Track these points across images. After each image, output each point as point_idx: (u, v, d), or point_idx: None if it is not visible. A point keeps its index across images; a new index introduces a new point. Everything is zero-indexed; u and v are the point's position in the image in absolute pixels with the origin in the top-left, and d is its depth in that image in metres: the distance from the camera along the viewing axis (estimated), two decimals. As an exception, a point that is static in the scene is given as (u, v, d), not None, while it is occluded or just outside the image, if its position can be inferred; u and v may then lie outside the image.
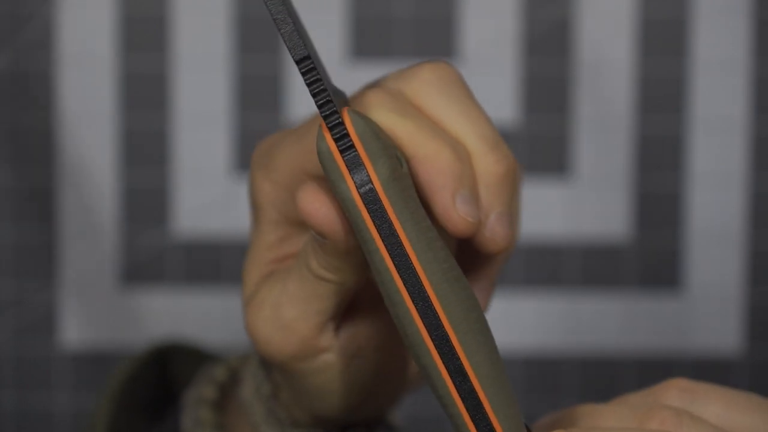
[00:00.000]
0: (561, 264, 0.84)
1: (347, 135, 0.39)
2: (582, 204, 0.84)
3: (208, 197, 0.84)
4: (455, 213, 0.41)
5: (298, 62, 0.39)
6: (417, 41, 0.83)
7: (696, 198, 0.84)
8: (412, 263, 0.38)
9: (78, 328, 0.85)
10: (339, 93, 0.41)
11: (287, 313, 0.44)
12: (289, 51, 0.38)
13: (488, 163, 0.43)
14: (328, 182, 0.40)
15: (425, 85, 0.44)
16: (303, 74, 0.39)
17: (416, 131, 0.42)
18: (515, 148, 0.84)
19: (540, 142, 0.84)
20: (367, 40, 0.83)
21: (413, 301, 0.38)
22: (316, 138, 0.39)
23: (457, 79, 0.45)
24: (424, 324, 0.38)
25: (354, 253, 0.41)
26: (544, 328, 0.84)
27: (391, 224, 0.38)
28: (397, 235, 0.38)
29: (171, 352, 0.62)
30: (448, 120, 0.44)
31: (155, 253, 0.84)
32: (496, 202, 0.43)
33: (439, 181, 0.41)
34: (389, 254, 0.38)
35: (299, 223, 0.46)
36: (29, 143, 0.83)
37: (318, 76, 0.39)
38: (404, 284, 0.38)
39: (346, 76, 0.83)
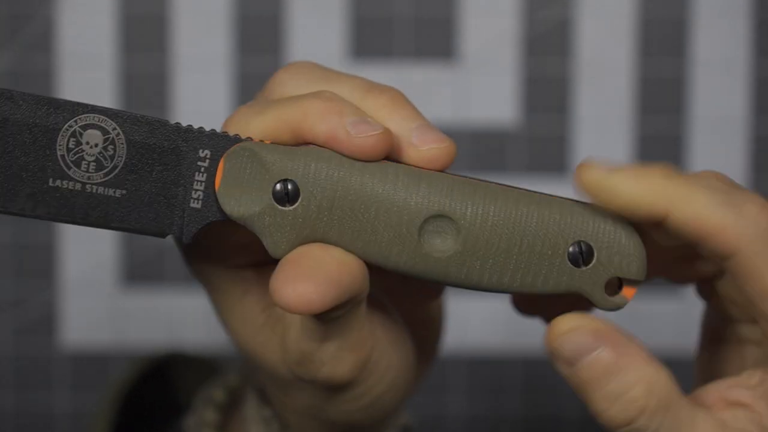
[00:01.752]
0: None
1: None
2: (582, 204, 0.84)
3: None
4: (353, 139, 0.40)
5: None
6: (417, 41, 0.83)
7: (696, 198, 0.84)
8: None
9: (78, 328, 0.85)
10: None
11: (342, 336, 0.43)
12: None
13: (373, 100, 0.42)
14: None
15: (282, 81, 0.44)
16: None
17: (284, 115, 0.41)
18: (515, 148, 0.84)
19: (540, 142, 0.84)
20: (367, 40, 0.83)
21: None
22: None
23: (309, 64, 0.44)
24: None
25: (361, 282, 0.41)
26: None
27: None
28: None
29: (172, 362, 0.62)
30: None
31: (155, 253, 0.84)
32: (404, 121, 0.42)
33: (323, 124, 0.40)
34: None
35: (251, 263, 0.44)
36: (29, 143, 0.83)
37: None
38: None
39: (346, 76, 0.83)
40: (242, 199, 0.40)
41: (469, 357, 0.84)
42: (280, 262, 0.40)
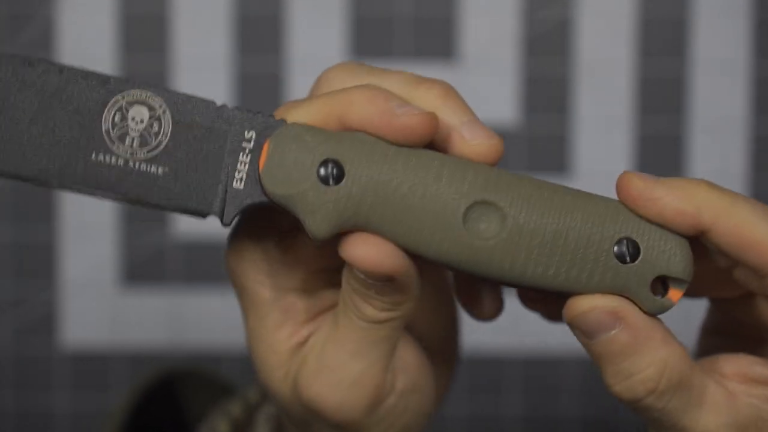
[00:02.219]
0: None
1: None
2: (582, 204, 0.84)
3: (208, 197, 0.84)
4: (399, 117, 0.40)
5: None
6: (417, 41, 0.83)
7: (696, 198, 0.84)
8: None
9: (78, 328, 0.85)
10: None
11: (354, 369, 0.42)
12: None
13: (424, 92, 0.42)
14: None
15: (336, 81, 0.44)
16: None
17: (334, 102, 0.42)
18: (515, 148, 0.84)
19: (540, 142, 0.84)
20: (367, 40, 0.83)
21: None
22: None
23: (355, 63, 0.44)
24: None
25: (416, 279, 0.41)
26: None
27: None
28: None
29: (182, 377, 0.61)
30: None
31: (155, 253, 0.84)
32: (455, 113, 0.41)
33: (369, 107, 0.40)
34: None
35: (295, 288, 0.44)
36: (29, 143, 0.83)
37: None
38: None
39: (346, 76, 0.83)
40: (286, 180, 0.40)
41: (469, 357, 0.84)
42: (345, 237, 0.40)
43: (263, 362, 0.44)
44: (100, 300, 0.84)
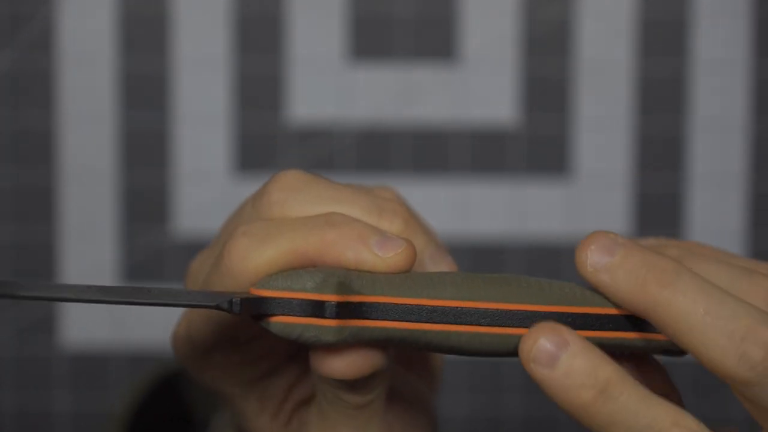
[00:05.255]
0: (560, 264, 0.84)
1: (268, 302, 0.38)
2: (582, 204, 0.84)
3: (208, 197, 0.84)
4: (383, 261, 0.39)
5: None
6: (417, 41, 0.83)
7: (696, 198, 0.84)
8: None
9: (78, 328, 0.85)
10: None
11: None
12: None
13: (388, 225, 0.41)
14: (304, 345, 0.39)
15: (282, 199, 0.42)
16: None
17: (297, 237, 0.40)
18: (515, 148, 0.84)
19: (540, 142, 0.84)
20: (367, 40, 0.83)
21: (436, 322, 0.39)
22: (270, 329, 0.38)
23: (298, 177, 0.42)
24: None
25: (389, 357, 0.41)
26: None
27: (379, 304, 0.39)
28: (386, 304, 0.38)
29: (185, 374, 0.61)
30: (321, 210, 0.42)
31: (155, 253, 0.84)
32: (421, 243, 0.42)
33: (349, 252, 0.39)
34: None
35: (261, 377, 0.43)
36: (29, 143, 0.83)
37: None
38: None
39: (346, 76, 0.83)
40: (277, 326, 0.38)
41: (469, 357, 0.84)
42: (314, 353, 0.39)
43: None
44: (100, 300, 0.84)
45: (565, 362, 0.37)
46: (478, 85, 0.84)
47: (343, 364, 0.39)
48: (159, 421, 0.60)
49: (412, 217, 0.42)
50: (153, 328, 0.85)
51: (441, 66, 0.83)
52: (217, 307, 0.37)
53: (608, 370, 0.37)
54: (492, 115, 0.84)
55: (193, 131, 0.83)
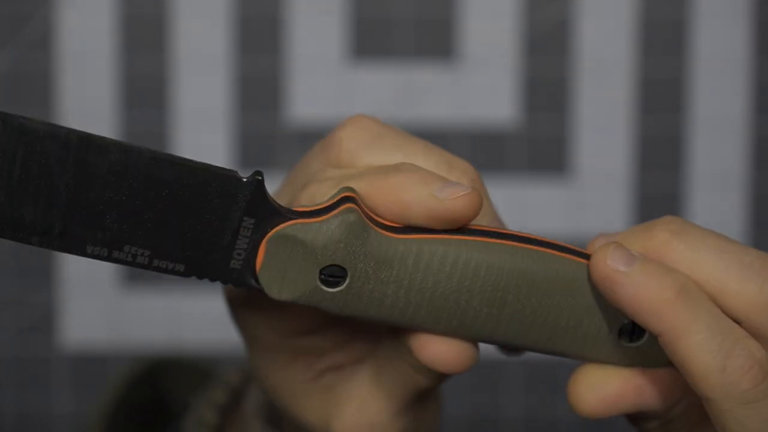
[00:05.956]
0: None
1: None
2: (582, 204, 0.84)
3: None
4: (444, 203, 0.38)
5: None
6: (417, 41, 0.83)
7: (696, 198, 0.84)
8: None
9: (78, 328, 0.85)
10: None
11: (395, 427, 0.43)
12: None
13: (452, 178, 0.41)
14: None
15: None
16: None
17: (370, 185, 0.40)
18: (515, 148, 0.84)
19: (540, 142, 0.84)
20: (367, 40, 0.83)
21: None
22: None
23: (377, 129, 0.42)
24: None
25: None
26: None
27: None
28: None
29: (164, 366, 0.61)
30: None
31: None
32: (484, 204, 0.42)
33: (409, 194, 0.39)
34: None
35: (300, 334, 0.43)
36: (29, 143, 0.83)
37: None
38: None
39: (346, 76, 0.83)
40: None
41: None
42: (412, 336, 0.40)
43: (277, 391, 0.44)
44: (99, 300, 0.84)
45: (641, 262, 0.38)
46: (478, 85, 0.84)
47: (453, 358, 0.40)
48: (138, 414, 0.59)
49: (479, 180, 0.41)
50: (153, 328, 0.85)
51: (441, 66, 0.83)
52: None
53: (680, 273, 0.38)
54: (492, 115, 0.84)
55: (193, 131, 0.83)
